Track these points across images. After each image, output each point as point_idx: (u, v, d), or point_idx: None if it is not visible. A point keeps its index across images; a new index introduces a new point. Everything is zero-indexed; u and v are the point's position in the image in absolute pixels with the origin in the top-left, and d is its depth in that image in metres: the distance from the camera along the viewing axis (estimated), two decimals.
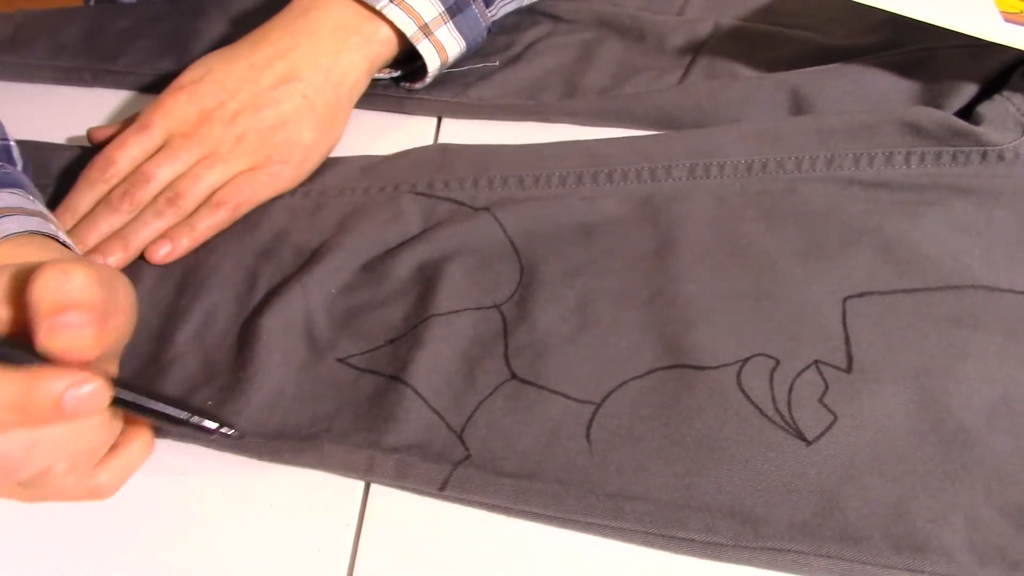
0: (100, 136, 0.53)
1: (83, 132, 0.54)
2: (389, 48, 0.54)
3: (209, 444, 0.41)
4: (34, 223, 0.41)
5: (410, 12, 0.53)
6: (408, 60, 0.57)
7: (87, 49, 0.62)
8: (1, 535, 0.39)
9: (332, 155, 0.54)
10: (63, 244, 0.42)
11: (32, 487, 0.36)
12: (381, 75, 0.57)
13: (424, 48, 0.54)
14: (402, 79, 0.58)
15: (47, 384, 0.32)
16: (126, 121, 0.53)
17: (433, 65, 0.55)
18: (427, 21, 0.53)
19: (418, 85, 0.57)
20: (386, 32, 0.54)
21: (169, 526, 0.39)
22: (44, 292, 0.33)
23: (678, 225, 0.48)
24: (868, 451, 0.39)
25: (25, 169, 0.48)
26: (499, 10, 0.59)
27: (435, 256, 0.48)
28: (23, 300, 0.33)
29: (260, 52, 0.52)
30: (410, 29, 0.53)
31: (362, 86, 0.55)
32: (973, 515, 0.37)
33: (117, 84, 0.61)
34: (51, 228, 0.42)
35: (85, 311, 0.33)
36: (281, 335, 0.44)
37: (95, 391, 0.33)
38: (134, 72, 0.61)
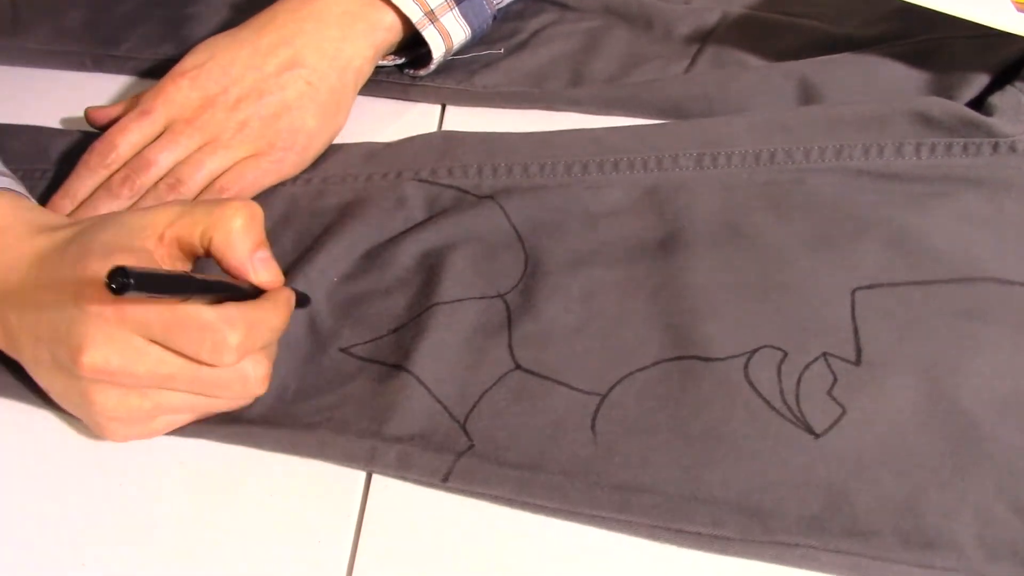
0: (97, 116, 0.53)
1: (82, 117, 0.54)
2: (394, 34, 0.54)
3: (209, 436, 0.41)
4: (3, 181, 0.42)
5: None
6: (413, 46, 0.56)
7: (88, 34, 0.61)
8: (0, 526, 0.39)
9: (335, 142, 0.53)
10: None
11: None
12: (385, 62, 0.57)
13: (429, 35, 0.53)
14: (406, 66, 0.58)
15: (290, 303, 0.39)
16: (129, 102, 0.52)
17: (438, 52, 0.54)
18: (433, 7, 0.53)
19: (422, 72, 0.56)
20: (391, 18, 0.53)
21: (169, 515, 0.39)
22: (246, 233, 0.37)
23: (685, 215, 0.48)
24: (877, 445, 0.38)
25: None
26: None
27: (439, 244, 0.47)
28: (203, 243, 0.38)
29: (265, 38, 0.51)
30: (416, 15, 0.52)
31: (366, 73, 0.54)
32: (983, 510, 0.36)
33: (118, 69, 0.60)
34: (19, 187, 0.43)
35: (268, 246, 0.39)
36: None
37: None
38: (135, 57, 0.60)
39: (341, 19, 0.52)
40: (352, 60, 0.52)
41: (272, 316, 0.38)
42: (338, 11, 0.52)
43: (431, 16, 0.53)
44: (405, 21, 0.53)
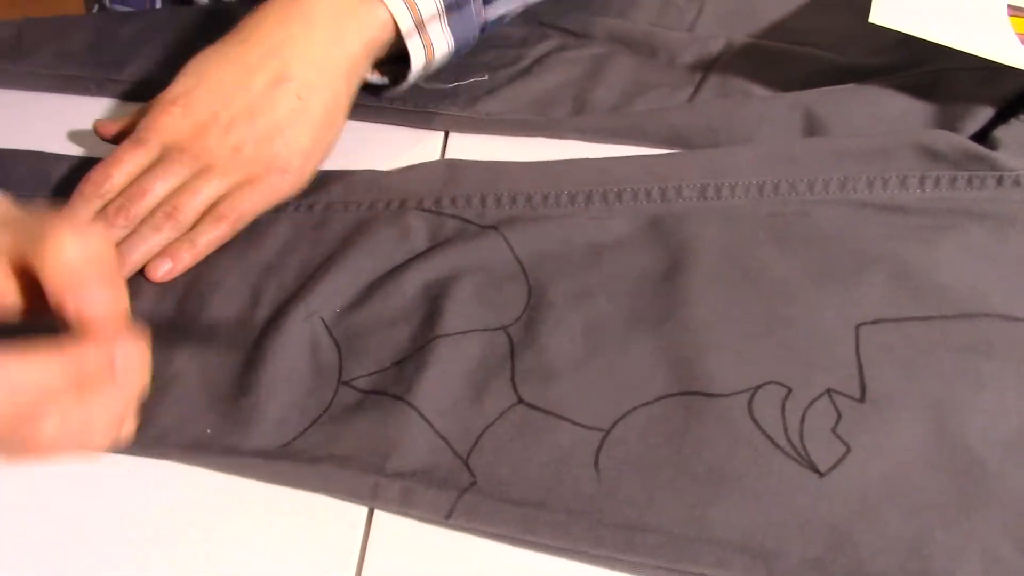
0: (105, 129, 0.52)
1: (86, 142, 0.54)
2: (386, 32, 0.52)
3: (209, 467, 0.40)
4: None
5: (407, 1, 0.51)
6: (395, 60, 0.55)
7: (92, 58, 0.61)
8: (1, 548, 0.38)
9: (337, 168, 0.53)
10: None
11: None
12: (372, 78, 0.56)
13: (413, 45, 0.52)
14: (389, 86, 0.57)
15: (98, 354, 0.30)
16: (135, 114, 0.52)
17: (418, 63, 0.53)
18: (424, 15, 0.52)
19: (403, 85, 0.55)
20: (383, 15, 0.51)
21: (168, 550, 0.38)
22: (66, 262, 0.30)
23: (688, 247, 0.47)
24: (882, 484, 0.38)
25: None
26: (496, 11, 0.57)
27: (442, 275, 0.47)
28: (28, 269, 0.31)
29: (252, 50, 0.50)
30: (405, 20, 0.51)
31: (360, 73, 0.53)
32: (991, 551, 0.36)
33: (122, 94, 0.61)
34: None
35: (111, 276, 0.31)
36: (285, 357, 0.43)
37: (140, 347, 0.32)
38: (139, 81, 0.60)
39: (330, 21, 0.51)
40: (341, 64, 0.51)
41: (30, 369, 0.29)
42: (328, 10, 0.51)
43: (419, 24, 0.52)
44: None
